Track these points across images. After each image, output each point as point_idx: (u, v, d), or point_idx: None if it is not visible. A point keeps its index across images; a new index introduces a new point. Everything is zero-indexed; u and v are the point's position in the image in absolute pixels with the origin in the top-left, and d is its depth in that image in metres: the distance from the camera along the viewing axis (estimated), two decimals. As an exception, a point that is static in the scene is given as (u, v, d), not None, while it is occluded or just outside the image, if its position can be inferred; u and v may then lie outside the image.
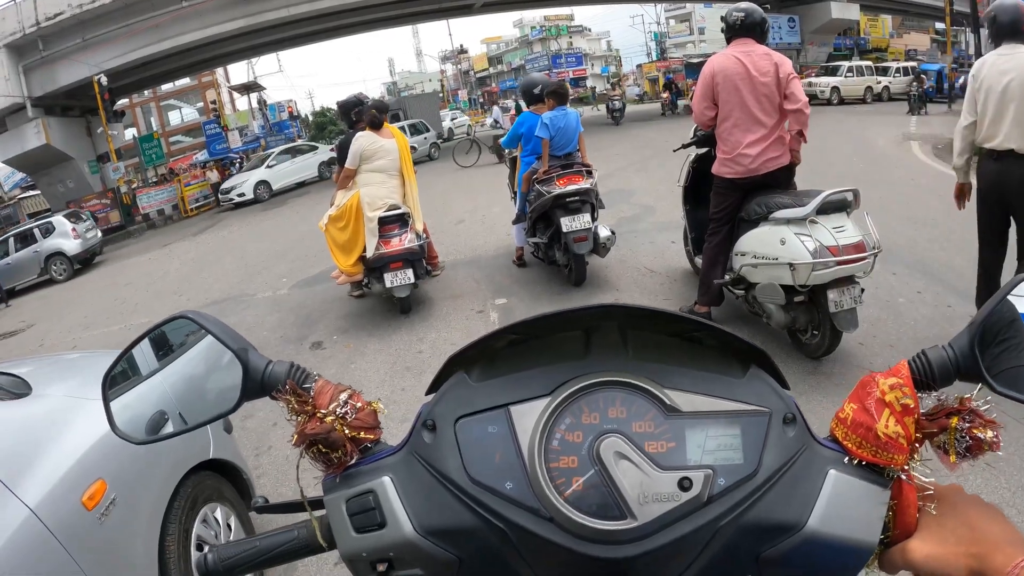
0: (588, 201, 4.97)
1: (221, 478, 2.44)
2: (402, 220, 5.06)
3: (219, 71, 34.27)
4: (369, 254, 4.96)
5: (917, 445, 0.60)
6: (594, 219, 5.03)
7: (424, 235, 5.27)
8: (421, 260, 5.16)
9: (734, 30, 3.78)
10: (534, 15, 56.62)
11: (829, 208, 3.38)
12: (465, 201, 10.54)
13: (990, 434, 0.59)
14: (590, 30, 62.26)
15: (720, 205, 3.93)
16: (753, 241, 3.65)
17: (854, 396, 0.62)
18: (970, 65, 15.94)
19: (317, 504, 0.67)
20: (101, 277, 12.03)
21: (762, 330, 4.02)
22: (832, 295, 3.31)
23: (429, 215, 8.03)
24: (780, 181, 3.83)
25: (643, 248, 6.22)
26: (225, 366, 0.70)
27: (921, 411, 0.60)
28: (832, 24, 30.39)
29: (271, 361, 0.69)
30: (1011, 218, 3.36)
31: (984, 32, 12.08)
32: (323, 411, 0.64)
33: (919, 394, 0.61)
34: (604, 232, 5.09)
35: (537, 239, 5.35)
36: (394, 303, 5.26)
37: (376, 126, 5.10)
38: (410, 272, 4.98)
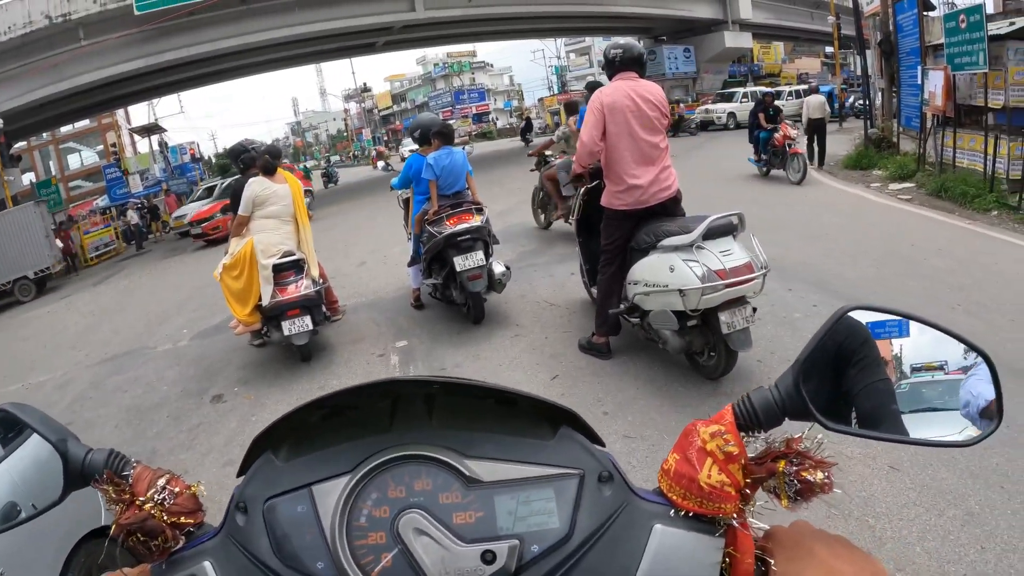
0: (480, 238, 4.97)
1: (115, 544, 2.39)
2: (297, 266, 4.97)
3: (119, 113, 32.78)
4: (265, 302, 4.84)
5: (748, 492, 0.58)
6: (488, 255, 5.03)
7: (321, 280, 5.18)
8: (319, 306, 5.06)
9: (614, 66, 3.87)
10: (437, 52, 57.43)
11: (715, 233, 3.46)
12: (366, 243, 10.48)
13: (820, 475, 0.57)
14: (492, 65, 63.93)
15: (611, 236, 3.96)
16: (644, 270, 3.70)
17: (678, 446, 0.60)
18: (859, 85, 17.57)
19: None
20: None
21: (660, 356, 4.06)
22: (724, 317, 3.37)
23: (330, 258, 7.91)
24: (669, 209, 3.89)
25: (542, 282, 6.27)
26: (52, 455, 0.68)
27: (749, 456, 0.58)
28: (726, 52, 32.20)
29: (91, 449, 0.67)
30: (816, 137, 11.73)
31: (870, 53, 13.50)
32: (141, 499, 0.63)
33: (748, 437, 0.59)
34: (499, 268, 5.11)
35: (433, 280, 5.31)
36: (295, 351, 5.11)
37: (269, 172, 5.02)
38: (308, 319, 4.87)
